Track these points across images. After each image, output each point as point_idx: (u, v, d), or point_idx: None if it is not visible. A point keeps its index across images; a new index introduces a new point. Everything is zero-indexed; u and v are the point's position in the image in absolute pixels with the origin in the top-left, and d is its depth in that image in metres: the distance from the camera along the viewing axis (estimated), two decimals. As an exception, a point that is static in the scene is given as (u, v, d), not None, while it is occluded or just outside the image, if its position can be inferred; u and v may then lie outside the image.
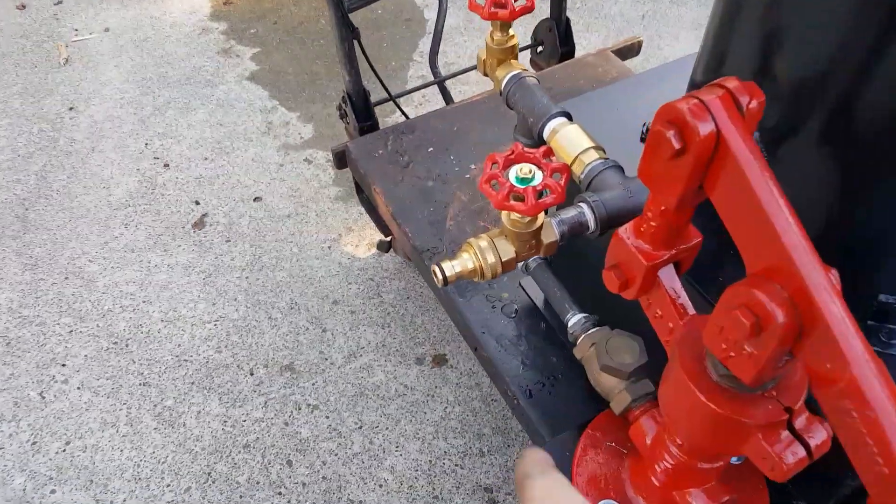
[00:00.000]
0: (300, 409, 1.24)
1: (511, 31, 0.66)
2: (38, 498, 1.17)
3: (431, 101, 1.79)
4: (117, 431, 1.24)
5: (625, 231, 0.48)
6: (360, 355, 1.31)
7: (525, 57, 1.47)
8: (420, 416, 1.21)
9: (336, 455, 1.17)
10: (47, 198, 1.68)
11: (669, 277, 0.49)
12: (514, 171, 0.52)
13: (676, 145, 0.40)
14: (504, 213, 0.54)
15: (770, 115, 0.57)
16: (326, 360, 1.31)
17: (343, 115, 1.24)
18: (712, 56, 0.71)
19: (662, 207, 0.45)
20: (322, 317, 1.37)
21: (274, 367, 1.30)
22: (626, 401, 0.61)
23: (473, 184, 1.10)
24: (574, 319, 0.69)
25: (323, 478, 1.15)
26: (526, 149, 0.53)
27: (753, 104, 0.41)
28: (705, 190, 0.43)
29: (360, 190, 1.26)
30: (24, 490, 1.18)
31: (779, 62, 0.60)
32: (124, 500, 1.15)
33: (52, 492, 1.17)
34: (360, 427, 1.20)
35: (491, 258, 0.53)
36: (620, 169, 0.62)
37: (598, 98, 0.92)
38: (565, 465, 0.66)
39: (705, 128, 0.39)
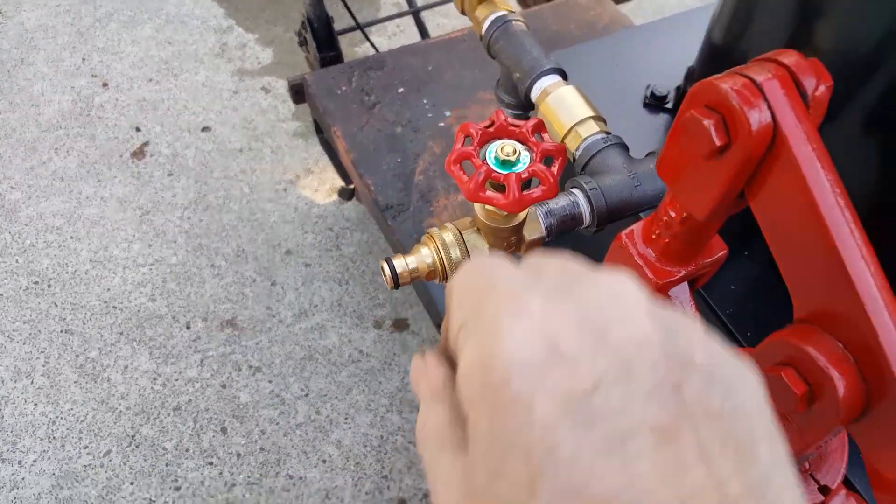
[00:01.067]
0: (240, 370, 1.09)
1: None
2: (-61, 453, 1.02)
3: (406, 31, 1.60)
4: (32, 383, 1.08)
5: (630, 237, 0.34)
6: (313, 314, 1.16)
7: (514, -9, 1.29)
8: (374, 386, 1.08)
9: (277, 424, 1.04)
10: (-34, 112, 1.46)
11: (682, 295, 0.36)
12: (494, 150, 0.37)
13: (718, 141, 0.27)
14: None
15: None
16: (274, 317, 1.16)
17: (303, 43, 1.06)
18: (735, 14, 0.56)
19: (685, 215, 0.31)
20: (272, 268, 1.22)
21: (214, 322, 1.15)
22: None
23: (448, 133, 0.94)
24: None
25: (261, 448, 1.02)
26: (510, 119, 0.39)
27: (821, 90, 0.28)
28: (748, 197, 0.29)
29: (319, 129, 1.09)
30: (-78, 443, 1.03)
31: (823, 28, 0.45)
32: (34, 461, 1.01)
33: (-45, 447, 1.02)
34: (307, 395, 1.07)
35: (456, 254, 0.39)
36: (625, 148, 0.48)
37: (591, 51, 0.76)
38: None
39: (759, 118, 0.26)
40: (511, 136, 0.38)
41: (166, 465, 1.00)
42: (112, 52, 1.56)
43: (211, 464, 1.00)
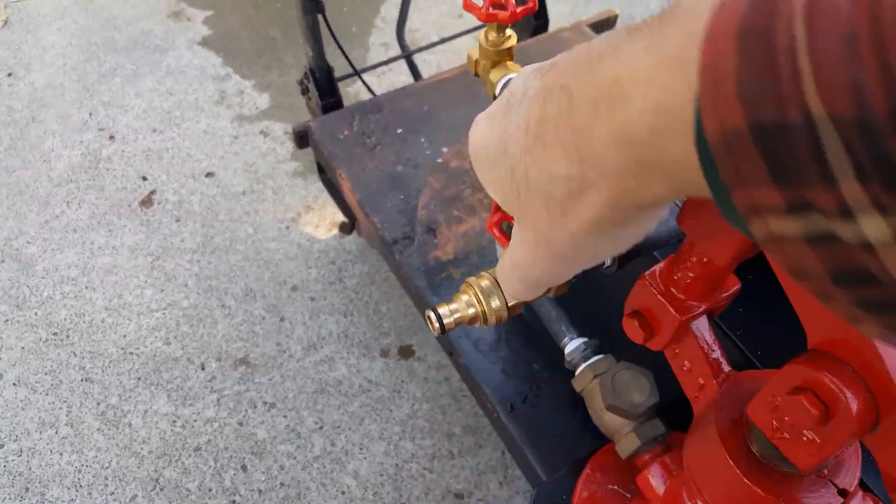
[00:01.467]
0: (255, 407, 1.10)
1: (508, 32, 0.53)
2: (-32, 506, 1.02)
3: (394, 69, 1.63)
4: (56, 433, 1.09)
5: (653, 277, 0.36)
6: (321, 347, 1.17)
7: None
8: (385, 415, 1.09)
9: (295, 458, 1.04)
10: (-20, 172, 1.48)
11: (702, 327, 0.38)
12: None
13: None
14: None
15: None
16: (284, 352, 1.17)
17: (305, 91, 1.08)
18: None
19: (705, 260, 0.33)
20: (280, 304, 1.23)
21: (227, 361, 1.16)
22: (634, 445, 0.50)
23: (446, 169, 0.96)
24: (572, 346, 0.57)
25: (281, 484, 1.02)
26: None
27: None
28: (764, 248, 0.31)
29: (321, 170, 1.11)
30: (-49, 497, 1.03)
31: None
32: (63, 510, 1.01)
33: (-16, 499, 1.02)
34: (321, 427, 1.08)
35: (495, 303, 0.41)
36: None
37: None
38: (560, 511, 0.55)
39: None
40: None
41: (190, 504, 1.00)
42: (117, 105, 1.59)
43: (234, 502, 1.00)
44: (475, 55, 0.54)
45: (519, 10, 0.49)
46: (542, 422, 0.75)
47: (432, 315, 0.41)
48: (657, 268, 0.36)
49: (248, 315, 1.22)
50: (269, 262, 1.30)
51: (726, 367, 0.38)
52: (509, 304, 0.39)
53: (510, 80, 0.52)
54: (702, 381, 0.38)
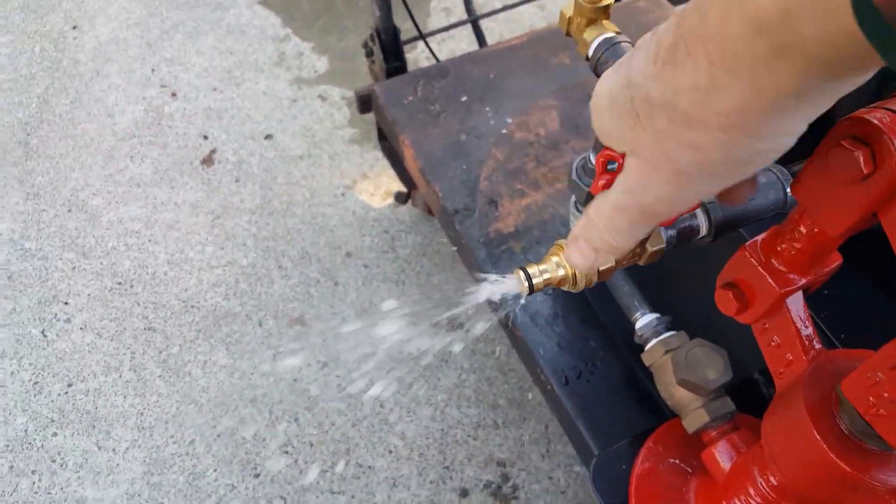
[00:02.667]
0: (309, 365, 1.14)
1: None
2: (40, 440, 1.09)
3: (455, 36, 1.62)
4: (120, 377, 1.15)
5: (755, 248, 0.36)
6: (373, 313, 1.20)
7: None
8: (433, 382, 1.11)
9: (345, 416, 1.08)
10: (50, 123, 1.53)
11: (796, 303, 0.38)
12: None
13: (865, 169, 0.29)
14: None
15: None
16: (338, 315, 1.20)
17: (369, 54, 1.09)
18: None
19: (816, 231, 0.33)
20: (334, 269, 1.26)
21: (283, 319, 1.20)
22: (702, 420, 0.51)
23: (510, 140, 0.96)
24: (644, 320, 0.58)
25: (331, 439, 1.06)
26: None
27: None
28: (879, 216, 0.31)
29: (382, 136, 1.12)
30: (25, 431, 1.10)
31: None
32: (127, 449, 1.07)
33: (54, 434, 1.09)
34: (371, 389, 1.11)
35: None
36: None
37: None
38: (622, 481, 0.56)
39: None
40: None
41: (246, 453, 1.05)
42: (179, 62, 1.62)
43: (287, 452, 1.05)
44: (569, 12, 0.52)
45: None
46: (595, 397, 0.76)
47: (522, 273, 0.42)
48: (759, 238, 0.37)
49: (303, 277, 1.25)
50: (324, 227, 1.32)
51: (817, 345, 0.39)
52: (601, 269, 0.40)
53: (606, 38, 0.51)
54: (790, 357, 0.39)
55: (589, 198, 0.65)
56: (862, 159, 0.28)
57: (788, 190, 0.44)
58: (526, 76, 1.02)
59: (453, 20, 1.63)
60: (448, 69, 1.04)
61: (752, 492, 0.45)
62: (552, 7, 1.68)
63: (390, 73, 1.08)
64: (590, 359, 0.78)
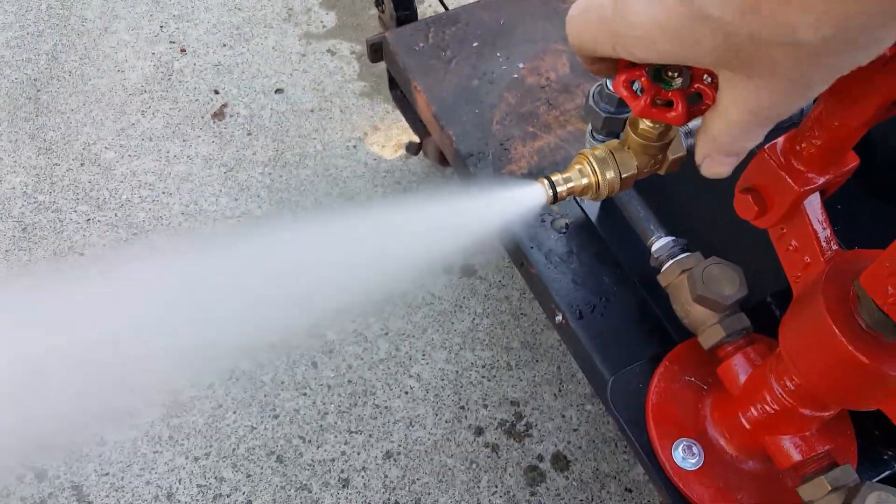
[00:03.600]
0: (325, 310, 1.16)
1: None
2: (62, 385, 1.11)
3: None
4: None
5: (773, 150, 0.37)
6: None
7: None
8: (447, 326, 1.13)
9: (362, 360, 1.10)
10: (60, 79, 1.53)
11: (813, 205, 0.39)
12: (657, 72, 0.39)
13: (890, 52, 0.29)
14: (632, 122, 0.42)
15: None
16: (352, 263, 1.22)
17: (379, 3, 1.08)
18: None
19: (836, 123, 0.34)
20: (347, 219, 1.27)
21: (298, 268, 1.21)
22: (718, 335, 0.52)
23: (522, 85, 0.96)
24: (660, 243, 0.59)
25: (349, 381, 1.08)
26: None
27: None
28: None
29: (393, 86, 1.12)
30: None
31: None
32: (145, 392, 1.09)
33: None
34: (386, 333, 1.13)
35: (610, 173, 0.42)
36: None
37: None
38: (639, 398, 0.58)
39: None
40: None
41: (265, 395, 1.08)
42: (187, 19, 1.61)
43: (305, 394, 1.07)
44: None
45: None
46: (609, 330, 0.78)
47: (545, 181, 0.43)
48: (778, 141, 0.38)
49: (316, 226, 1.26)
50: (337, 178, 1.33)
51: (834, 246, 0.40)
52: (623, 176, 0.41)
53: None
54: (808, 260, 0.40)
55: (607, 122, 0.65)
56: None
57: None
58: (537, 21, 1.02)
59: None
60: (459, 16, 1.04)
61: (768, 398, 0.47)
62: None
63: (401, 22, 1.08)
64: (604, 294, 0.80)
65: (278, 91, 1.47)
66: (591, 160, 0.43)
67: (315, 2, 1.63)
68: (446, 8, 1.13)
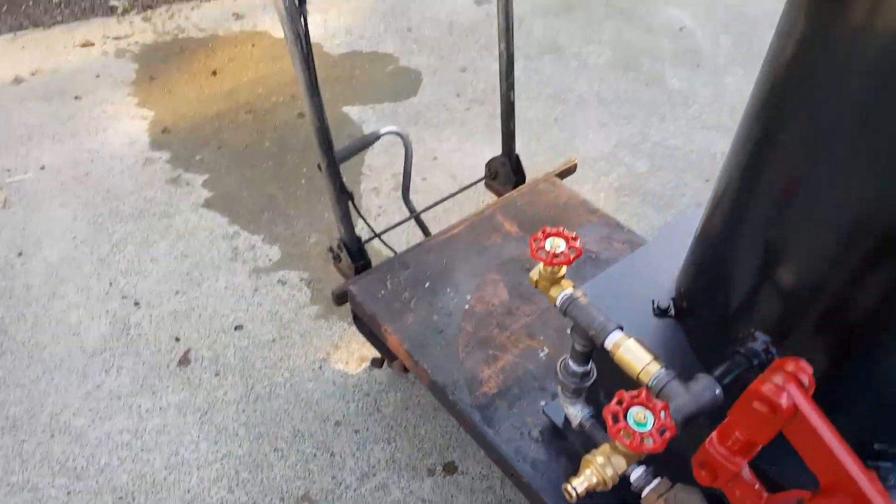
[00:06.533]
0: (327, 539, 1.22)
1: (562, 270, 0.74)
2: None
3: (388, 210, 1.85)
4: None
5: (714, 444, 0.58)
6: (374, 475, 1.32)
7: (481, 188, 1.57)
8: (443, 527, 1.23)
9: (373, 581, 1.17)
10: (13, 352, 1.57)
11: (746, 470, 0.59)
12: (632, 416, 0.59)
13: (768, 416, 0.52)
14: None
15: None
16: (341, 484, 1.31)
17: (337, 259, 1.28)
18: (700, 266, 0.80)
19: (751, 441, 0.55)
20: (327, 440, 1.37)
21: (290, 500, 1.29)
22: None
23: (473, 314, 1.17)
24: (636, 473, 0.77)
25: None
26: (628, 392, 0.60)
27: (805, 378, 0.54)
28: (784, 432, 0.54)
29: (358, 319, 1.29)
30: None
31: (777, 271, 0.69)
32: None
33: None
34: (390, 548, 1.21)
35: (610, 472, 0.61)
36: (680, 377, 0.68)
37: (613, 276, 0.94)
38: None
39: (786, 401, 0.53)
40: (639, 404, 0.59)
41: None
42: (136, 272, 1.73)
43: None
44: (536, 276, 0.76)
45: (572, 256, 0.71)
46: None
47: (569, 488, 0.61)
48: (714, 436, 0.58)
49: (300, 455, 1.35)
50: (309, 401, 1.44)
51: (764, 494, 0.60)
52: (620, 473, 0.60)
53: (566, 294, 0.74)
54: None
55: (575, 391, 0.85)
56: (765, 410, 0.52)
57: (717, 390, 0.65)
58: (470, 256, 1.26)
59: (382, 199, 1.88)
60: (408, 260, 1.25)
61: None
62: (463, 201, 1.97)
63: (358, 270, 1.27)
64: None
65: (238, 328, 1.59)
66: (595, 465, 0.62)
67: (257, 239, 1.81)
68: (395, 252, 1.33)
